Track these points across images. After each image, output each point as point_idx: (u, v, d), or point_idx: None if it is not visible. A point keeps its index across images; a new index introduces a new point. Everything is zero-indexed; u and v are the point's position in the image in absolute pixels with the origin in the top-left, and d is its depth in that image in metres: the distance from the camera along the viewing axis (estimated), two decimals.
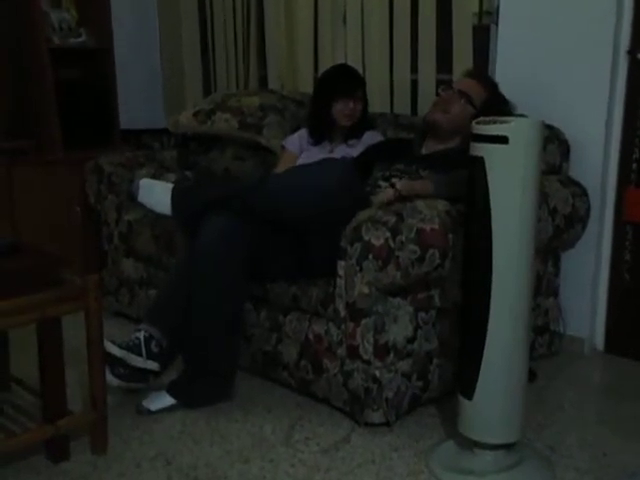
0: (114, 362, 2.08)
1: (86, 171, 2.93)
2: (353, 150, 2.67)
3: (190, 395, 2.17)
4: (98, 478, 1.82)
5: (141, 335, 2.13)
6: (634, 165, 2.45)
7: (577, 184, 2.43)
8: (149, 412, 2.13)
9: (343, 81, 2.70)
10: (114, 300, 2.90)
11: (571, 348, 2.58)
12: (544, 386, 2.33)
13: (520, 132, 1.68)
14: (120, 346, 2.09)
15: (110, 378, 2.06)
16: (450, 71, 2.82)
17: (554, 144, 2.41)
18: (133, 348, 2.10)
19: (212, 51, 3.68)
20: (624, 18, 2.38)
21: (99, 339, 1.86)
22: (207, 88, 3.79)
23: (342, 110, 2.68)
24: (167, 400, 2.15)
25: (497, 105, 2.29)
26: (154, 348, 2.12)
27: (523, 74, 2.50)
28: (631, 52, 2.39)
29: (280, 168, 2.74)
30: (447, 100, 2.30)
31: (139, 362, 2.10)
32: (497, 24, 2.63)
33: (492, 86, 2.36)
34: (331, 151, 2.75)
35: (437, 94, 2.44)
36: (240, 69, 3.55)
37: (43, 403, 1.86)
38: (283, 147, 2.86)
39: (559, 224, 2.33)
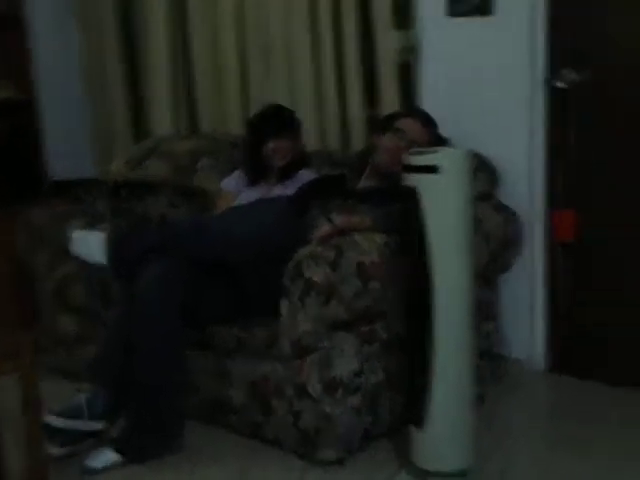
0: (54, 433, 2.00)
1: (16, 226, 2.84)
2: (289, 190, 2.67)
3: (136, 450, 2.10)
4: None
5: (82, 399, 2.07)
6: (559, 187, 2.54)
7: (508, 209, 2.50)
8: (95, 471, 2.05)
9: (272, 121, 2.72)
10: (51, 357, 2.79)
11: (513, 370, 2.61)
12: (491, 410, 2.35)
13: (449, 161, 1.74)
14: (60, 414, 2.02)
15: (51, 449, 1.98)
16: (378, 106, 2.88)
17: (484, 172, 2.47)
18: (74, 413, 2.04)
19: (141, 98, 3.66)
20: (538, 48, 2.49)
21: (35, 402, 1.77)
22: (138, 135, 3.75)
23: (273, 150, 2.69)
24: (112, 457, 2.07)
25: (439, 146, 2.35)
26: (97, 408, 2.07)
27: (448, 107, 2.57)
28: (547, 80, 2.50)
29: (219, 209, 2.70)
30: (403, 149, 2.32)
31: (81, 426, 2.04)
32: (419, 59, 2.71)
33: (434, 127, 2.43)
34: (268, 191, 2.75)
35: (379, 130, 2.45)
36: (171, 114, 3.54)
37: None
38: (221, 189, 2.85)
39: (494, 248, 2.38)
